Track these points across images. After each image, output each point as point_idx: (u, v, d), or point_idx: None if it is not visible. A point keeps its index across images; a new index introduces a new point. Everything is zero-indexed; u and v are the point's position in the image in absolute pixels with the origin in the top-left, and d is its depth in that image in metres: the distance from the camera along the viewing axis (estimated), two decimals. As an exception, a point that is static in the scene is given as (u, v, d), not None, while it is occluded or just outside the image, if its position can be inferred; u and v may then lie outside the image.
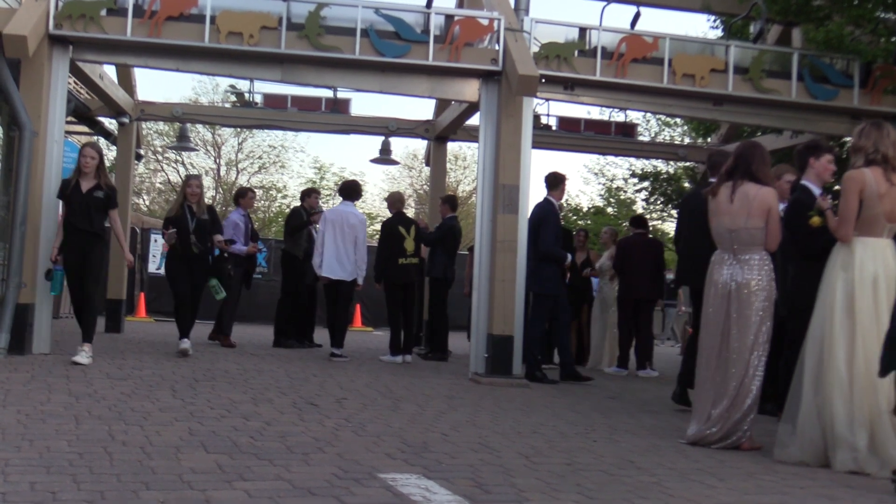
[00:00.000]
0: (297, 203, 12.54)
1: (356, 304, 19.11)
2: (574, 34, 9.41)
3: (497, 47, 8.91)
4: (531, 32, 9.16)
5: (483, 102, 9.05)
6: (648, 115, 22.20)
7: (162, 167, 33.90)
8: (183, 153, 31.20)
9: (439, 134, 13.08)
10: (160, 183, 34.92)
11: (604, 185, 31.10)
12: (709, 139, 14.93)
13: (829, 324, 4.98)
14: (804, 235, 5.49)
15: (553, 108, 13.17)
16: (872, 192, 4.98)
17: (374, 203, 36.59)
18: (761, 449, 5.27)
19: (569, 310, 9.44)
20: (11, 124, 8.83)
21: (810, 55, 9.76)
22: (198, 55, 8.88)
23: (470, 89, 9.26)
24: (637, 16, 10.32)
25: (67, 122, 10.14)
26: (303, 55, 8.82)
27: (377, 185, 38.14)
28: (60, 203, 8.38)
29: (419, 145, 33.17)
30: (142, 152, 14.49)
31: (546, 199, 9.22)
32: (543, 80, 8.95)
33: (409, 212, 12.68)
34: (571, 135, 13.56)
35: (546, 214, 9.10)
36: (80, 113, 12.15)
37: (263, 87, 12.79)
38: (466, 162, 35.63)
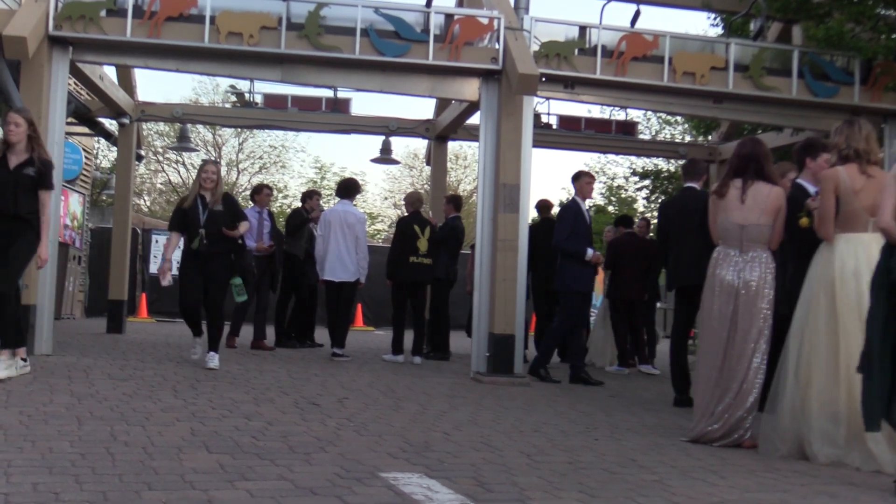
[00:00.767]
0: (298, 204, 12.55)
1: (357, 304, 19.13)
2: (574, 33, 9.41)
3: (497, 46, 8.91)
4: (531, 31, 9.16)
5: (483, 101, 9.05)
6: (649, 113, 22.17)
7: (163, 168, 33.96)
8: (183, 154, 31.24)
9: (440, 133, 13.08)
10: (161, 184, 34.97)
11: (605, 183, 31.11)
12: (709, 137, 14.92)
13: (811, 319, 5.04)
14: (798, 234, 5.51)
15: (553, 107, 13.14)
16: (847, 188, 5.05)
17: (374, 203, 36.65)
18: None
19: (580, 311, 9.13)
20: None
21: (811, 52, 9.75)
22: (198, 55, 8.88)
23: (470, 88, 9.26)
24: (637, 14, 10.33)
25: (68, 124, 10.15)
26: (303, 55, 8.82)
27: (378, 185, 38.18)
28: (63, 203, 8.38)
29: (420, 145, 33.20)
30: (142, 153, 14.50)
31: (572, 198, 9.21)
32: (544, 79, 8.96)
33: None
34: (572, 133, 13.55)
35: (563, 211, 9.20)
36: (80, 114, 12.16)
37: (263, 88, 12.80)
38: (467, 161, 35.70)
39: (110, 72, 11.53)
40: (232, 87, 14.00)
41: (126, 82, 12.18)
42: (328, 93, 12.59)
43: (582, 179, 9.07)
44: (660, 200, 20.23)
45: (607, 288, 11.03)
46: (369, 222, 35.67)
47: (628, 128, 14.11)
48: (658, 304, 17.78)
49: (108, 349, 9.48)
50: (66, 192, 15.27)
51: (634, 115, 16.39)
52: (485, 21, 9.02)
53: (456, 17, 9.10)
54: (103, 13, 8.49)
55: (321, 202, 11.70)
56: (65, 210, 15.26)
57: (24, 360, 6.71)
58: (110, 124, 13.36)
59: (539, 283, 10.99)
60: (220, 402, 6.02)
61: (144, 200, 34.80)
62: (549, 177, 53.81)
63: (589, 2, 10.87)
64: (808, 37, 10.02)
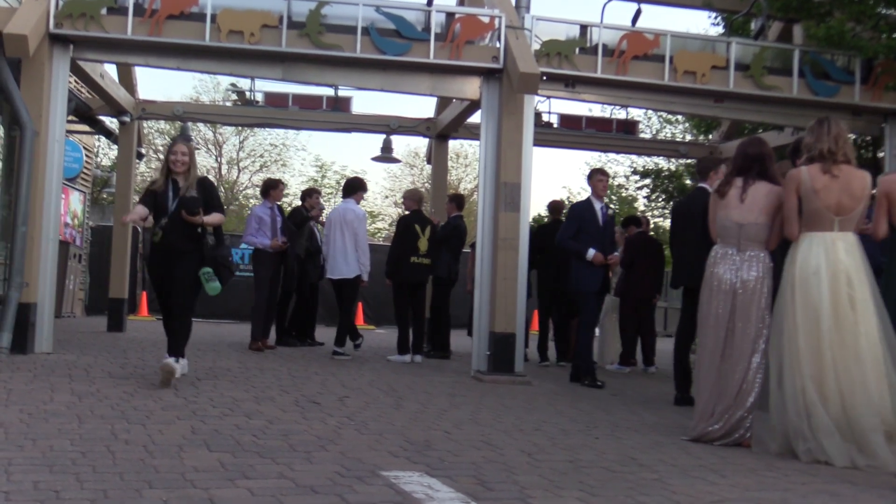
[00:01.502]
0: (298, 202, 12.54)
1: (358, 303, 19.12)
2: (575, 31, 9.41)
3: (498, 45, 8.90)
4: (532, 30, 9.15)
5: (484, 100, 9.05)
6: (650, 112, 22.18)
7: (163, 166, 33.91)
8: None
9: (440, 132, 13.08)
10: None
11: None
12: (710, 136, 14.92)
13: (782, 319, 5.15)
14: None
15: (554, 106, 13.14)
16: (807, 188, 5.16)
17: (375, 201, 36.63)
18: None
19: (599, 312, 8.84)
20: (12, 124, 8.84)
21: (811, 52, 9.75)
22: (199, 54, 8.87)
23: (471, 87, 9.26)
24: (638, 13, 10.33)
25: (68, 122, 10.15)
26: (304, 53, 8.82)
27: (378, 184, 38.16)
28: (63, 201, 8.37)
29: (420, 143, 33.25)
30: (143, 151, 14.50)
31: (587, 197, 9.04)
32: (544, 78, 8.96)
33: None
34: (573, 132, 13.55)
35: (571, 209, 9.14)
36: (80, 112, 12.15)
37: (264, 86, 12.80)
38: (468, 160, 35.69)
39: (111, 70, 11.53)
40: (233, 85, 13.99)
41: (127, 80, 12.18)
42: (329, 91, 12.59)
43: (595, 178, 8.94)
44: (660, 199, 20.25)
45: (618, 286, 10.99)
46: (370, 220, 35.69)
47: (629, 127, 14.11)
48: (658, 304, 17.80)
49: (108, 347, 9.48)
50: (67, 190, 15.27)
51: (635, 114, 16.39)
52: (486, 20, 9.02)
53: (457, 16, 9.10)
54: (104, 11, 8.49)
55: (321, 200, 11.67)
56: (65, 208, 15.26)
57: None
58: (111, 122, 13.37)
59: (544, 282, 11.00)
60: (220, 400, 6.02)
61: (145, 199, 34.78)
62: (549, 176, 53.79)
63: (590, 1, 10.94)
64: (808, 36, 10.02)
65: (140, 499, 3.33)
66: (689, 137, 20.24)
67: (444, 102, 12.63)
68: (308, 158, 50.33)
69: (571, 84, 9.43)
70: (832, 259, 5.07)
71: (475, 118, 10.97)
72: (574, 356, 9.32)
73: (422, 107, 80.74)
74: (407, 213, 10.42)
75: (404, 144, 37.65)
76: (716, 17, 14.92)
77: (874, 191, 5.58)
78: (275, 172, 34.80)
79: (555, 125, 13.25)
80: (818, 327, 4.97)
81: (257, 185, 34.97)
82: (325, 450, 4.48)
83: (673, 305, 22.02)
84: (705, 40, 10.51)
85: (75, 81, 11.45)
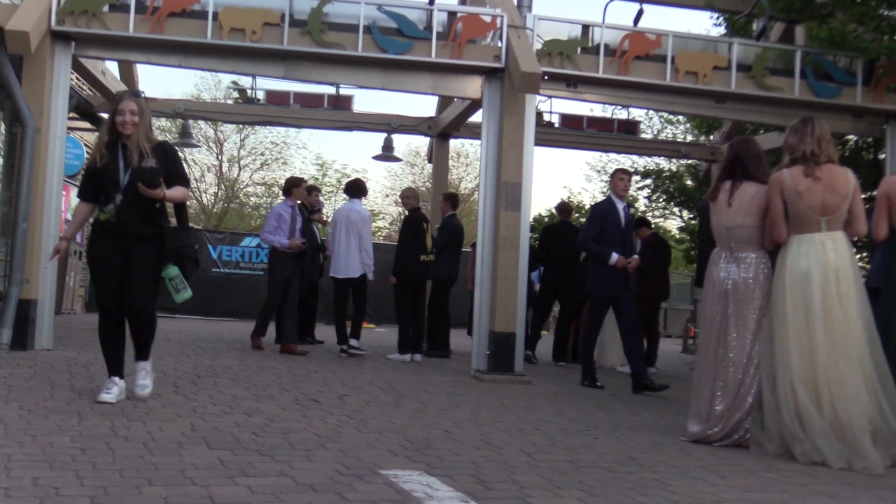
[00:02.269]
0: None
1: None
2: (577, 31, 9.42)
3: (500, 44, 8.91)
4: (534, 29, 9.16)
5: (486, 99, 9.05)
6: (651, 112, 22.18)
7: (164, 163, 33.89)
8: (185, 149, 31.21)
9: (442, 131, 13.09)
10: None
11: (606, 182, 31.11)
12: (711, 137, 14.93)
13: (773, 322, 5.19)
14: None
15: (555, 106, 13.16)
16: (791, 191, 5.19)
17: (375, 200, 36.63)
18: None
19: (633, 312, 8.53)
20: (14, 120, 8.85)
21: (813, 53, 9.76)
22: (200, 51, 8.87)
23: (472, 86, 9.26)
24: (640, 13, 10.34)
25: (70, 119, 10.14)
26: (305, 52, 8.82)
27: (379, 182, 38.17)
28: (64, 198, 8.34)
29: (422, 142, 33.32)
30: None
31: (607, 196, 8.93)
32: (546, 78, 8.96)
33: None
34: (574, 132, 13.57)
35: (592, 209, 8.98)
36: (82, 109, 12.17)
37: (266, 84, 12.82)
38: (469, 159, 35.72)
39: (112, 67, 11.54)
40: (234, 83, 14.00)
41: (128, 78, 12.18)
42: (330, 89, 12.60)
43: (616, 176, 8.73)
44: (661, 200, 20.23)
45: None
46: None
47: (630, 127, 14.13)
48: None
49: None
50: (68, 187, 15.27)
51: (636, 114, 16.39)
52: (488, 19, 9.02)
53: (459, 15, 9.10)
54: (106, 8, 8.49)
55: (320, 198, 11.67)
56: (66, 205, 15.25)
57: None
58: (112, 120, 13.33)
59: (547, 283, 11.02)
60: (220, 398, 6.02)
61: (145, 196, 34.77)
62: (550, 176, 53.81)
63: (592, 0, 10.90)
64: (810, 37, 10.02)
65: (140, 496, 3.32)
66: (690, 138, 20.25)
67: (445, 101, 12.64)
68: (309, 157, 50.43)
69: (573, 84, 9.44)
70: (822, 260, 5.10)
71: (476, 117, 10.98)
72: (581, 359, 9.20)
73: (423, 106, 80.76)
74: (409, 211, 10.41)
75: (405, 143, 37.72)
76: (718, 18, 14.93)
77: (875, 192, 5.60)
78: (275, 170, 34.81)
79: (556, 125, 13.27)
80: (810, 329, 5.00)
81: (258, 184, 35.03)
82: (324, 448, 4.47)
83: (673, 306, 22.04)
84: (707, 41, 10.52)
85: (77, 78, 11.44)
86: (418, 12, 9.01)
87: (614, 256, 8.30)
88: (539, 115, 11.88)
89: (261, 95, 12.89)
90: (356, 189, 10.35)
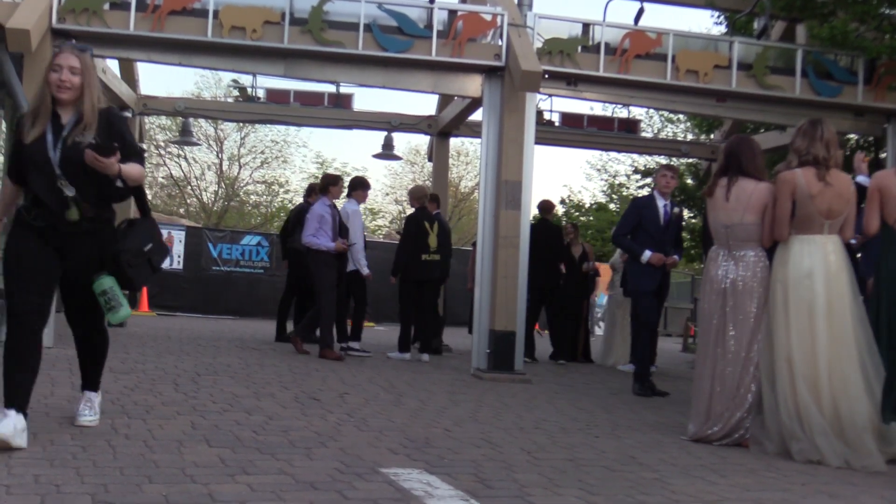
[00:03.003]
0: (299, 199, 12.55)
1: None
2: (577, 30, 9.41)
3: (500, 43, 8.90)
4: (534, 28, 9.15)
5: (486, 98, 9.04)
6: (651, 111, 22.18)
7: (164, 162, 33.95)
8: (185, 148, 31.24)
9: (442, 129, 13.09)
10: (162, 177, 34.96)
11: (606, 181, 31.11)
12: (712, 135, 14.92)
13: (773, 320, 5.20)
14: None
15: (556, 104, 13.16)
16: (804, 192, 5.20)
17: (376, 198, 36.63)
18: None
19: (655, 314, 8.30)
20: (15, 118, 8.84)
21: (814, 51, 9.75)
22: (201, 50, 8.87)
23: (473, 85, 9.26)
24: (640, 11, 10.33)
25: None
26: (306, 50, 8.82)
27: (379, 181, 38.14)
28: None
29: (422, 141, 33.26)
30: (144, 146, 14.51)
31: (650, 192, 8.71)
32: (546, 76, 8.96)
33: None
34: (574, 131, 13.57)
35: (630, 205, 8.73)
36: (82, 107, 12.14)
37: (266, 82, 12.81)
38: (469, 157, 35.68)
39: (113, 65, 11.53)
40: (234, 81, 14.02)
41: (129, 76, 12.19)
42: (331, 88, 12.61)
43: (660, 173, 8.45)
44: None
45: (623, 286, 10.88)
46: (370, 218, 35.71)
47: (631, 125, 14.13)
48: None
49: (109, 342, 9.46)
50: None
51: (637, 112, 16.38)
52: (488, 17, 9.02)
53: (459, 14, 9.10)
54: (107, 6, 8.50)
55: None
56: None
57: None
58: (113, 118, 13.34)
59: (534, 280, 11.01)
60: (220, 396, 6.02)
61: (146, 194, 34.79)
62: (551, 174, 53.81)
63: (592, -1, 10.88)
64: (811, 36, 10.03)
65: (140, 493, 3.33)
66: (690, 137, 20.24)
67: (445, 100, 12.64)
68: (309, 155, 50.35)
69: (573, 82, 9.43)
70: (824, 261, 5.14)
71: (477, 116, 10.98)
72: (632, 361, 8.95)
73: (423, 104, 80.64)
74: (413, 210, 10.38)
75: (405, 142, 37.66)
76: (718, 17, 14.92)
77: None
78: (276, 169, 34.81)
79: (556, 123, 13.27)
80: (812, 328, 5.03)
81: (258, 182, 35.04)
82: (324, 446, 4.48)
83: (673, 305, 22.05)
84: (708, 39, 10.52)
85: (77, 76, 11.43)
86: (419, 11, 9.00)
87: (647, 254, 7.93)
88: (539, 113, 11.87)
89: (261, 94, 12.89)
90: (349, 186, 10.31)
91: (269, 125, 29.10)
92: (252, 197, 36.22)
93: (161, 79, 36.97)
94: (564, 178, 60.22)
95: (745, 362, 5.35)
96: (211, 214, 33.86)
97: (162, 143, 32.40)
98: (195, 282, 18.80)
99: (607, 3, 10.35)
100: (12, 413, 3.95)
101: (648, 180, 20.10)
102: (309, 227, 9.29)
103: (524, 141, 8.82)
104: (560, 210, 30.65)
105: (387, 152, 14.41)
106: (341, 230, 9.43)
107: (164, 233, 18.77)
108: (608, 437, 5.41)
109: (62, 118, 4.18)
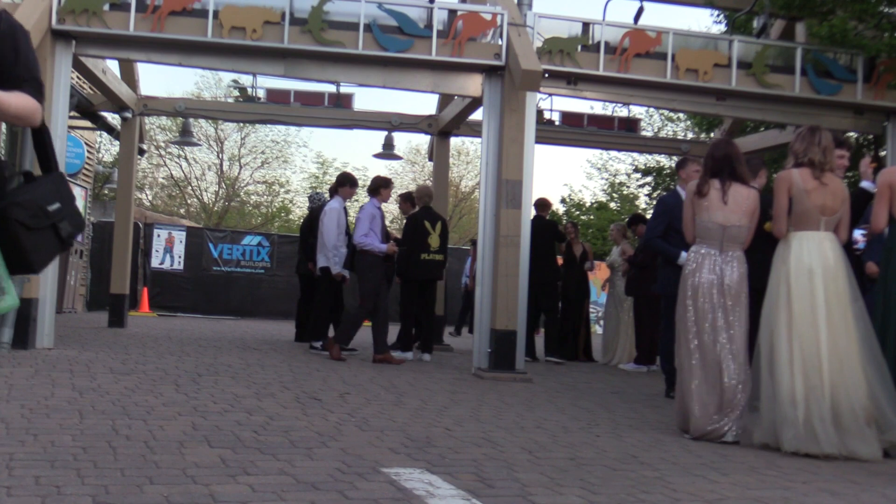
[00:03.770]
0: (301, 199, 12.52)
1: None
2: (577, 29, 9.41)
3: (500, 42, 8.90)
4: (534, 27, 9.15)
5: (486, 97, 9.04)
6: (651, 110, 22.19)
7: (164, 162, 33.99)
8: (185, 148, 31.27)
9: (442, 129, 13.08)
10: (163, 178, 34.99)
11: (607, 180, 31.13)
12: (712, 134, 14.93)
13: (774, 313, 5.34)
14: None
15: (556, 103, 13.15)
16: (799, 189, 5.36)
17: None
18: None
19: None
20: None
21: (814, 50, 9.75)
22: (201, 50, 8.88)
23: (473, 84, 9.26)
24: (640, 11, 10.33)
25: (70, 117, 10.15)
26: (306, 50, 8.82)
27: (380, 181, 38.07)
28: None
29: (422, 140, 33.30)
30: (144, 147, 14.53)
31: (673, 189, 8.31)
32: (546, 75, 8.96)
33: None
34: (574, 130, 13.57)
35: (658, 204, 8.21)
36: (82, 108, 12.16)
37: (266, 82, 12.81)
38: (469, 157, 35.70)
39: (113, 66, 11.53)
40: (235, 81, 14.01)
41: (129, 76, 12.19)
42: (331, 88, 12.59)
43: (688, 167, 7.89)
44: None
45: (631, 285, 10.79)
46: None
47: (631, 124, 14.12)
48: None
49: (109, 343, 9.49)
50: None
51: (637, 111, 16.39)
52: (488, 17, 9.02)
53: (459, 13, 9.10)
54: (106, 7, 8.50)
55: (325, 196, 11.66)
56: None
57: None
58: (113, 118, 13.38)
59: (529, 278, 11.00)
60: (221, 396, 6.02)
61: (146, 195, 34.83)
62: (551, 173, 53.81)
63: (592, -2, 10.88)
64: (811, 34, 10.03)
65: (141, 494, 3.33)
66: (690, 135, 20.25)
67: (445, 99, 12.64)
68: (309, 155, 50.33)
69: (573, 81, 9.44)
70: (823, 257, 5.31)
71: (477, 115, 10.97)
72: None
73: (424, 104, 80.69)
74: (416, 209, 10.37)
75: (406, 141, 37.71)
76: (718, 15, 14.95)
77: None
78: (276, 169, 34.82)
79: (556, 122, 13.26)
80: (814, 321, 5.18)
81: (259, 182, 35.06)
82: (325, 446, 4.48)
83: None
84: (707, 38, 10.52)
85: (77, 77, 11.45)
86: (419, 10, 9.01)
87: (683, 255, 7.11)
88: (539, 112, 11.86)
89: (261, 94, 12.88)
90: (338, 183, 10.30)
91: (269, 125, 29.13)
92: (252, 197, 36.26)
93: (161, 79, 37.04)
94: (565, 177, 60.25)
95: (741, 358, 5.45)
96: (211, 215, 33.89)
97: (162, 144, 32.42)
98: (196, 282, 18.83)
99: (607, 3, 10.36)
100: None
101: (649, 179, 20.11)
102: (361, 228, 9.17)
103: (524, 140, 8.82)
104: (561, 209, 30.68)
105: (387, 152, 14.41)
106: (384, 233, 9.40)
107: (165, 233, 18.82)
108: (609, 436, 5.42)
109: None
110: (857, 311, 5.25)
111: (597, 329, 17.64)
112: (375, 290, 9.16)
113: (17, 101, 2.82)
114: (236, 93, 14.01)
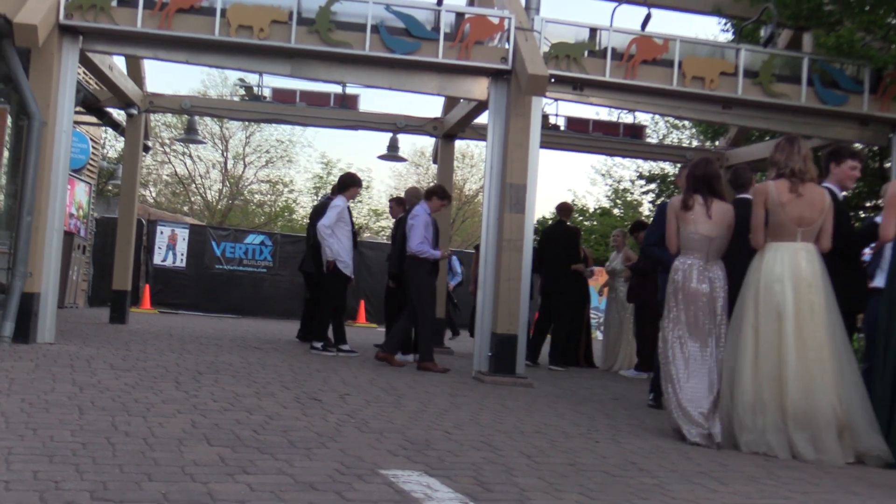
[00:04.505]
0: (305, 199, 12.54)
1: (360, 300, 19.14)
2: (584, 34, 9.41)
3: (507, 46, 8.90)
4: (541, 32, 9.15)
5: (492, 101, 9.04)
6: (657, 117, 22.17)
7: (169, 159, 34.05)
8: (190, 146, 31.31)
9: (447, 131, 13.08)
10: (167, 175, 35.04)
11: (611, 186, 31.12)
12: (717, 142, 14.91)
13: (741, 320, 5.55)
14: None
15: (562, 109, 13.23)
16: (774, 201, 5.57)
17: (380, 200, 36.64)
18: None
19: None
20: (20, 114, 8.85)
21: (821, 60, 9.74)
22: (208, 48, 8.88)
23: (479, 88, 9.26)
24: (648, 17, 10.31)
25: (76, 113, 10.17)
26: (312, 50, 8.83)
27: (384, 182, 38.20)
28: (68, 193, 8.33)
29: (427, 142, 33.33)
30: (149, 144, 14.55)
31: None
32: (553, 80, 8.95)
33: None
34: (579, 135, 13.56)
35: (658, 210, 8.01)
36: (88, 104, 12.18)
37: (272, 82, 12.81)
38: (474, 160, 35.74)
39: (120, 62, 11.55)
40: (241, 80, 14.03)
41: (135, 73, 12.20)
42: (337, 88, 12.60)
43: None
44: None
45: (632, 293, 10.76)
46: (373, 219, 35.74)
47: (636, 131, 14.11)
48: None
49: (110, 339, 9.49)
50: (73, 181, 15.30)
51: (642, 118, 16.39)
52: (495, 21, 9.01)
53: (466, 16, 9.10)
54: (114, 3, 8.51)
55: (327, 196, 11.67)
56: (70, 199, 15.28)
57: None
58: (118, 114, 13.39)
59: (545, 283, 10.98)
60: (221, 395, 6.02)
61: (150, 191, 34.88)
62: (555, 178, 53.81)
63: (600, 4, 10.87)
64: (818, 44, 10.01)
65: (139, 491, 3.32)
66: (695, 143, 20.23)
67: (451, 102, 12.63)
68: (314, 155, 50.41)
69: (579, 87, 9.43)
70: (796, 267, 5.48)
71: (482, 119, 10.97)
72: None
73: (429, 106, 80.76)
74: (406, 212, 10.38)
75: (410, 143, 37.75)
76: (725, 24, 14.92)
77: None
78: (280, 168, 34.86)
79: (562, 128, 13.26)
80: (781, 330, 5.37)
81: (263, 181, 35.09)
82: (324, 447, 4.47)
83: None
84: (714, 46, 10.49)
85: (84, 73, 11.46)
86: (426, 13, 9.01)
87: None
88: (545, 117, 11.87)
89: (267, 93, 12.89)
90: (342, 184, 10.32)
91: (274, 124, 29.13)
92: (256, 196, 36.28)
93: (167, 76, 37.11)
94: (569, 182, 60.25)
95: (720, 367, 5.68)
96: (215, 213, 33.91)
97: (167, 141, 32.46)
98: (198, 280, 18.85)
99: (615, 9, 10.34)
100: None
101: (653, 186, 20.09)
102: (416, 235, 9.15)
103: (529, 144, 8.81)
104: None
105: (392, 154, 14.41)
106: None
107: (168, 230, 18.85)
108: (609, 442, 5.41)
109: None
110: (831, 321, 5.39)
111: (597, 335, 17.61)
112: (431, 297, 9.25)
113: None
114: (242, 91, 14.03)
